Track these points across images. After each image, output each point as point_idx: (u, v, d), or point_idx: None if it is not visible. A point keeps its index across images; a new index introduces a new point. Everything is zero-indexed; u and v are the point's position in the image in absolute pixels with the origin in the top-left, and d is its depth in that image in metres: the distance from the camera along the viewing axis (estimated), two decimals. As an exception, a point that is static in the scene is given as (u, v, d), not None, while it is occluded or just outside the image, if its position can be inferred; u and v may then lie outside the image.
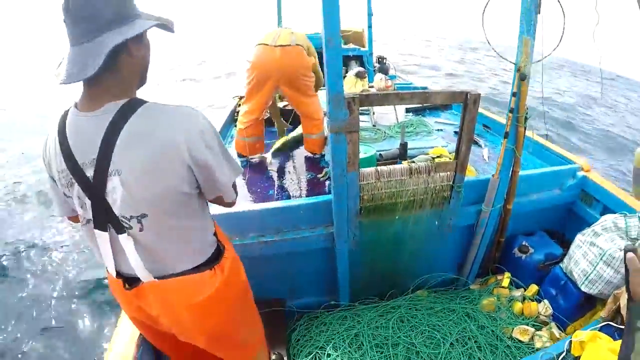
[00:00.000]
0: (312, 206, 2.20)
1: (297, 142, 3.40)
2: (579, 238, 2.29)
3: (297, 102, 3.02)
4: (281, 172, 3.10)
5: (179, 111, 1.16)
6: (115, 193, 1.14)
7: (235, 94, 4.77)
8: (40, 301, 4.12)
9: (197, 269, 1.33)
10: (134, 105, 1.13)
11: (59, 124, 1.18)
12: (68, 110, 1.19)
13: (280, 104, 3.97)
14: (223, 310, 1.42)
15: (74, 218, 1.38)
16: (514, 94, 2.00)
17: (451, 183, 2.14)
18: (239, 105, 3.74)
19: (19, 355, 3.43)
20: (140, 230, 1.20)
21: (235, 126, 3.30)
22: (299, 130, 3.39)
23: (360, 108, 3.91)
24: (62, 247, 4.97)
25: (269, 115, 3.77)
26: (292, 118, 3.80)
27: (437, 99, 1.96)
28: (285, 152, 3.35)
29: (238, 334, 1.59)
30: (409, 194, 2.10)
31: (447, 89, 1.94)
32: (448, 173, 2.11)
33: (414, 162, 2.54)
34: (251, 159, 3.22)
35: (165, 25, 1.21)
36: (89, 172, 1.13)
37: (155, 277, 1.28)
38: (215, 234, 1.44)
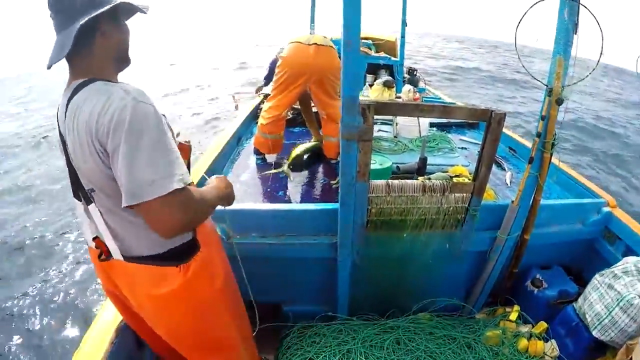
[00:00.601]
0: (318, 213, 2.11)
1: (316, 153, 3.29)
2: (597, 279, 2.14)
3: (324, 104, 2.95)
4: (293, 174, 3.01)
5: (112, 90, 1.12)
6: (74, 164, 1.21)
7: (255, 90, 4.71)
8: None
9: (163, 260, 1.31)
10: (88, 83, 1.16)
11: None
12: None
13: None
14: (182, 311, 1.38)
15: None
16: (542, 117, 1.87)
17: (466, 205, 2.01)
18: (263, 102, 3.67)
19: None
20: (96, 204, 1.24)
21: (257, 123, 3.23)
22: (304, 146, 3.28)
23: (384, 118, 3.91)
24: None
25: (291, 116, 3.69)
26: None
27: (458, 114, 1.84)
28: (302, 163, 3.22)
29: (201, 338, 1.51)
30: (420, 213, 1.99)
31: (471, 106, 1.80)
32: (464, 195, 1.99)
33: (429, 179, 2.41)
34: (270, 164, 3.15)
35: (139, 8, 1.30)
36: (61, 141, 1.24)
37: (123, 256, 1.29)
38: (194, 230, 1.39)
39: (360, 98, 1.67)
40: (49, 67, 1.18)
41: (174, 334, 1.46)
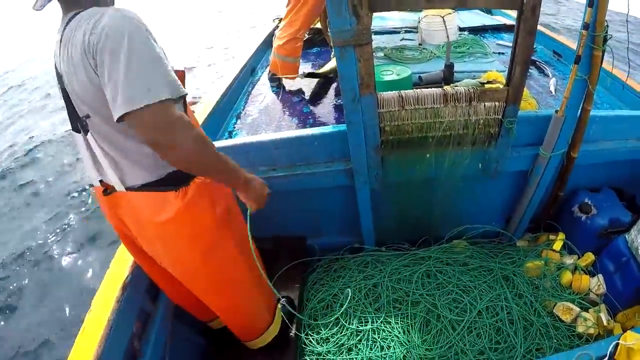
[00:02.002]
0: (327, 137, 1.90)
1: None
2: None
3: None
4: (310, 97, 2.82)
5: (102, 11, 1.07)
6: (69, 93, 1.17)
7: (275, 15, 4.43)
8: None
9: (160, 184, 1.26)
10: (82, 12, 1.12)
11: None
12: None
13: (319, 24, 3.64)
14: (186, 238, 1.33)
15: None
16: (590, 3, 1.49)
17: (500, 117, 1.72)
18: (277, 27, 3.43)
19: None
20: (92, 132, 1.20)
21: (271, 49, 3.02)
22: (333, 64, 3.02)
23: (407, 26, 3.54)
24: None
25: (308, 36, 3.46)
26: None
27: (476, 2, 1.50)
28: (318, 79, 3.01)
29: (206, 270, 1.44)
30: (444, 127, 1.72)
31: None
32: (497, 103, 1.68)
33: (454, 86, 2.11)
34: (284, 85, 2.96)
35: None
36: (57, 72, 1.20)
37: (125, 187, 1.25)
38: None
39: None
40: (40, 9, 1.14)
41: (181, 267, 1.41)
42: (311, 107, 2.68)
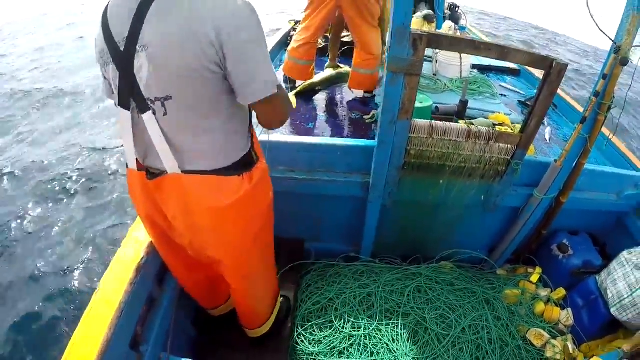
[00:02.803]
0: (351, 149, 2.04)
1: (329, 81, 3.19)
2: (624, 256, 2.08)
3: (356, 27, 2.78)
4: (325, 106, 2.93)
5: None
6: (142, 71, 1.10)
7: (291, 17, 4.55)
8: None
9: (224, 170, 1.26)
10: None
11: (105, 7, 1.16)
12: None
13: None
14: (243, 222, 1.36)
15: None
16: (604, 76, 1.75)
17: (509, 158, 1.94)
18: (294, 29, 3.55)
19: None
20: (165, 114, 1.15)
21: (287, 50, 3.12)
22: (325, 74, 3.18)
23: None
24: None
25: (323, 44, 3.59)
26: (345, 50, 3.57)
27: (516, 57, 1.71)
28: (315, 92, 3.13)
29: (252, 257, 1.52)
30: (460, 159, 1.92)
31: (531, 50, 1.68)
32: (509, 146, 1.90)
33: (473, 124, 2.32)
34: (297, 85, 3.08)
35: None
36: (122, 48, 1.11)
37: (182, 171, 1.22)
38: (251, 142, 1.35)
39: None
40: None
41: (230, 249, 1.43)
42: (319, 113, 2.79)
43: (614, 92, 1.79)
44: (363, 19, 2.71)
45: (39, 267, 3.60)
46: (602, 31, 1.74)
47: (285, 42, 3.88)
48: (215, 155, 1.24)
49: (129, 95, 1.15)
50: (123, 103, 1.18)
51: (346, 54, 3.52)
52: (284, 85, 3.09)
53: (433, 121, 1.86)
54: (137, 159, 1.27)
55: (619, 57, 1.69)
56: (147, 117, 1.15)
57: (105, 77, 1.25)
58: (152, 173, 1.26)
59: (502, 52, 1.68)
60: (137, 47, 1.07)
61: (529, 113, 1.83)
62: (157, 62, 1.08)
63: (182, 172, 1.22)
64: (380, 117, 1.78)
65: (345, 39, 3.65)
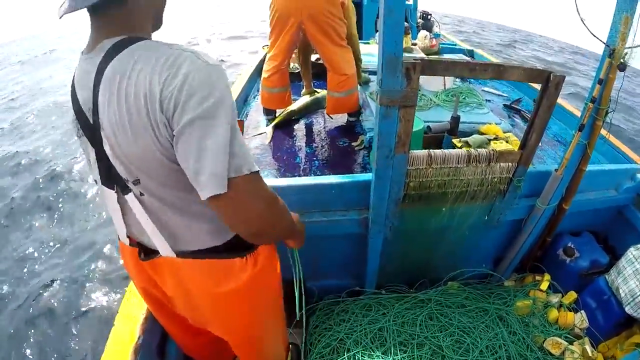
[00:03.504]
0: (346, 186, 1.92)
1: (307, 108, 3.13)
2: (632, 252, 2.03)
3: (323, 48, 2.67)
4: (310, 135, 2.83)
5: (175, 53, 0.87)
6: (107, 150, 0.96)
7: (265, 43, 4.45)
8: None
9: (224, 253, 1.12)
10: (128, 42, 0.90)
11: (74, 71, 1.00)
12: None
13: (313, 57, 3.67)
14: (247, 308, 1.23)
15: None
16: (599, 81, 1.69)
17: (511, 175, 1.86)
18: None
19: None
20: (142, 195, 1.02)
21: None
22: (302, 101, 3.11)
23: None
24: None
25: (298, 71, 3.49)
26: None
27: (512, 75, 1.62)
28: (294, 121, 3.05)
29: (259, 331, 1.41)
30: (462, 185, 1.83)
31: (526, 66, 1.60)
32: (510, 164, 1.82)
33: (468, 143, 2.23)
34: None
35: None
36: (91, 120, 0.94)
37: (175, 253, 1.09)
38: None
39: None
40: (68, 12, 0.87)
41: (236, 333, 1.34)
42: (305, 145, 2.69)
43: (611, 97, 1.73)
44: (329, 39, 2.62)
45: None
46: (594, 36, 1.68)
47: (260, 69, 3.74)
48: (207, 233, 1.10)
49: (109, 172, 1.00)
50: (106, 182, 1.03)
51: (321, 76, 3.43)
52: (264, 120, 2.96)
53: (431, 150, 1.76)
54: (128, 236, 1.15)
55: (613, 61, 1.62)
56: (130, 198, 1.02)
57: (83, 150, 1.08)
58: (145, 253, 1.14)
59: (498, 71, 1.59)
60: (99, 121, 0.92)
61: (528, 127, 1.75)
62: (113, 145, 0.93)
63: (176, 254, 1.09)
64: (375, 153, 1.67)
65: (319, 61, 3.57)
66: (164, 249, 1.09)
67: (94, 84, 0.90)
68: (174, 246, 1.09)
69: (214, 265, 1.12)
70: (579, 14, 1.63)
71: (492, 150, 1.78)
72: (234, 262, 1.13)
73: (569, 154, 1.87)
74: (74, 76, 0.99)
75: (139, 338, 1.42)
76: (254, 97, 3.45)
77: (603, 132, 2.42)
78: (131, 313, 1.50)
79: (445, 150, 1.76)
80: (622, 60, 1.64)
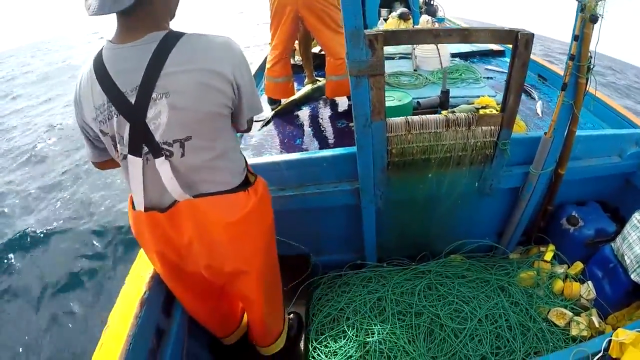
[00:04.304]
0: (336, 159, 2.01)
1: (308, 97, 3.23)
2: (636, 217, 1.98)
3: (319, 34, 2.78)
4: (310, 119, 2.92)
5: (221, 39, 1.24)
6: (160, 118, 1.17)
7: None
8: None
9: (231, 190, 1.36)
10: (177, 34, 1.18)
11: (95, 60, 1.20)
12: (102, 48, 1.21)
13: (316, 49, 3.76)
14: (256, 231, 1.44)
15: (102, 164, 1.47)
16: (575, 38, 1.67)
17: (495, 139, 1.87)
18: None
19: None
20: (182, 155, 1.24)
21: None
22: (304, 90, 3.21)
23: (402, 52, 3.73)
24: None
25: (301, 63, 3.59)
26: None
27: (479, 37, 1.65)
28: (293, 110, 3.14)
29: (268, 264, 1.58)
30: (444, 150, 1.86)
31: (493, 27, 1.63)
32: (492, 127, 1.83)
33: (453, 112, 2.26)
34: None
35: None
36: (132, 99, 1.15)
37: (193, 196, 1.30)
38: (245, 162, 1.49)
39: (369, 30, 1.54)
40: (98, 14, 1.08)
41: (246, 261, 1.47)
42: (307, 127, 2.78)
43: (590, 51, 1.70)
44: (325, 25, 2.72)
45: (46, 303, 3.72)
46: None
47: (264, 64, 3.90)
48: (224, 183, 1.35)
49: (141, 142, 1.21)
50: (134, 151, 1.22)
51: (323, 67, 3.52)
52: (268, 107, 3.10)
53: (409, 116, 1.81)
54: (145, 203, 1.32)
55: (586, 15, 1.61)
56: (160, 161, 1.22)
57: (103, 133, 1.25)
58: (162, 209, 1.32)
59: (463, 35, 1.63)
60: (154, 95, 1.14)
61: (506, 90, 1.77)
62: (180, 107, 1.16)
63: (192, 197, 1.30)
64: (354, 123, 1.75)
65: (322, 52, 3.66)
66: (181, 197, 1.29)
67: (151, 65, 1.13)
68: (191, 194, 1.30)
69: (226, 200, 1.34)
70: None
71: (472, 113, 1.81)
72: (239, 195, 1.36)
73: (555, 115, 1.86)
74: (101, 67, 1.17)
75: (144, 293, 1.55)
76: (260, 92, 3.56)
77: (601, 95, 2.37)
78: (140, 274, 1.63)
79: (424, 116, 1.81)
80: (592, 13, 1.62)
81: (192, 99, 1.17)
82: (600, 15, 1.59)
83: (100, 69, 1.17)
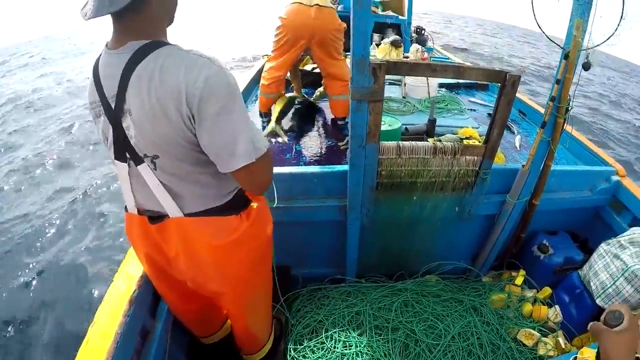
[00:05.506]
0: (326, 175, 2.10)
1: (291, 104, 3.34)
2: (603, 247, 2.14)
3: (326, 64, 2.90)
4: (300, 135, 2.99)
5: (194, 58, 1.09)
6: (130, 131, 1.15)
7: (264, 52, 4.65)
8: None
9: (221, 209, 1.33)
10: (155, 45, 1.10)
11: (96, 59, 1.20)
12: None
13: (309, 67, 3.87)
14: (244, 257, 1.42)
15: None
16: (557, 81, 1.83)
17: (477, 168, 2.01)
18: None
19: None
20: (154, 169, 1.21)
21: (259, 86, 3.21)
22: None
23: (392, 78, 3.89)
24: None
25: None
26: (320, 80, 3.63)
27: (472, 75, 1.80)
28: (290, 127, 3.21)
29: (253, 286, 1.59)
30: (430, 175, 1.98)
31: (485, 67, 1.78)
32: (475, 157, 1.97)
33: (440, 140, 2.39)
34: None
35: None
36: (113, 105, 1.14)
37: (183, 214, 1.29)
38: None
39: (371, 58, 1.64)
40: (92, 17, 1.03)
41: (231, 283, 1.48)
42: (302, 145, 2.85)
43: (570, 95, 1.86)
44: (330, 56, 2.85)
45: (33, 295, 3.71)
46: (551, 40, 1.82)
47: (259, 77, 3.94)
48: (212, 196, 1.32)
49: (124, 149, 1.20)
50: (118, 156, 1.23)
51: (312, 85, 3.71)
52: (259, 124, 3.16)
53: (400, 141, 1.93)
54: (136, 206, 1.34)
55: (568, 62, 1.76)
56: (143, 168, 1.21)
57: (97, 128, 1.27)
58: (153, 218, 1.32)
59: (458, 71, 1.76)
60: (125, 107, 1.12)
61: (490, 124, 1.90)
62: (139, 127, 1.12)
63: (184, 215, 1.29)
64: (350, 143, 1.84)
65: (315, 70, 3.79)
66: (173, 211, 1.28)
67: (122, 77, 1.09)
68: (182, 209, 1.28)
69: (215, 222, 1.32)
70: (537, 23, 1.78)
71: (457, 143, 1.93)
72: (231, 219, 1.34)
73: (533, 150, 2.00)
74: (97, 66, 1.18)
75: (134, 292, 1.57)
76: (252, 102, 3.63)
77: (576, 133, 2.54)
78: (129, 272, 1.66)
79: (414, 142, 1.92)
80: (586, 60, 1.78)
81: (147, 121, 1.10)
82: (592, 63, 1.74)
83: (95, 69, 1.18)
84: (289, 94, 3.31)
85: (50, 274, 3.97)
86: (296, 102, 3.41)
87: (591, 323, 1.02)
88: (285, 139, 2.87)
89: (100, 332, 1.39)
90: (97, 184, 5.59)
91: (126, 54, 1.09)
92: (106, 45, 1.18)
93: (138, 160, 1.20)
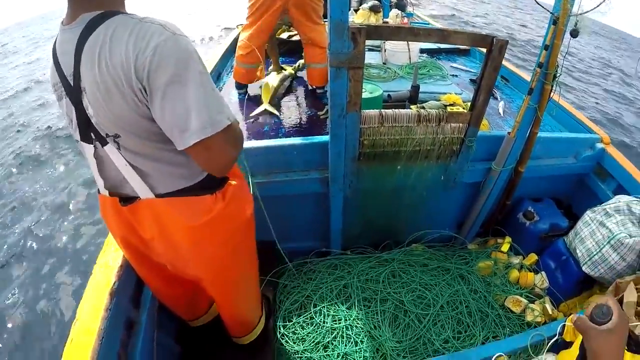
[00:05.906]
0: (307, 147, 2.04)
1: (286, 80, 3.25)
2: (588, 215, 2.13)
3: (306, 27, 2.80)
4: (280, 108, 2.92)
5: (146, 26, 1.00)
6: (89, 110, 1.08)
7: (239, 22, 4.51)
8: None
9: (194, 189, 1.26)
10: (105, 16, 1.02)
11: (55, 39, 1.12)
12: None
13: (284, 35, 3.78)
14: (220, 238, 1.35)
15: None
16: (545, 47, 1.78)
17: (462, 136, 1.96)
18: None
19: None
20: (118, 149, 1.14)
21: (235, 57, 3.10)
22: (277, 78, 3.18)
23: (371, 44, 3.78)
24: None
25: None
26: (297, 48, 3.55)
27: (457, 39, 1.73)
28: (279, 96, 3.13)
29: (234, 270, 1.52)
30: (414, 143, 1.93)
31: (470, 31, 1.72)
32: (460, 125, 1.93)
33: (424, 107, 2.34)
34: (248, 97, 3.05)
35: None
36: (72, 83, 1.07)
37: (155, 195, 1.22)
38: None
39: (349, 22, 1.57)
40: None
41: (210, 265, 1.42)
42: (280, 116, 2.78)
43: (557, 61, 1.82)
44: (309, 19, 2.75)
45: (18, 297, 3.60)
46: (539, 4, 1.76)
47: (234, 46, 3.83)
48: (182, 175, 1.24)
49: (88, 129, 1.13)
50: (84, 137, 1.16)
51: (292, 53, 3.62)
52: (235, 94, 3.07)
53: (383, 110, 1.87)
54: (106, 188, 1.27)
55: (557, 27, 1.71)
56: (109, 149, 1.14)
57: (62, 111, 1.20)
58: (124, 199, 1.25)
59: (442, 35, 1.69)
60: (81, 85, 1.05)
61: (476, 90, 1.86)
62: (94, 106, 1.06)
63: (155, 196, 1.22)
64: (329, 112, 1.79)
65: (292, 38, 3.70)
66: (144, 192, 1.21)
67: (75, 53, 1.02)
68: (152, 190, 1.21)
69: (189, 202, 1.25)
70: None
71: (442, 110, 1.89)
72: (205, 199, 1.26)
73: (519, 117, 1.97)
74: (54, 45, 1.11)
75: (114, 284, 1.50)
76: (228, 74, 3.53)
77: (562, 101, 2.52)
78: (108, 263, 1.59)
79: (397, 110, 1.87)
80: (574, 27, 1.73)
81: (101, 98, 1.03)
82: (580, 29, 1.69)
83: (54, 49, 1.11)
84: (283, 72, 3.22)
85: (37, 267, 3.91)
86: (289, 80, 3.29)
87: (575, 318, 0.93)
88: (278, 113, 2.80)
89: (84, 329, 1.34)
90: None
91: (78, 27, 1.02)
92: (62, 22, 1.10)
93: (103, 141, 1.13)
